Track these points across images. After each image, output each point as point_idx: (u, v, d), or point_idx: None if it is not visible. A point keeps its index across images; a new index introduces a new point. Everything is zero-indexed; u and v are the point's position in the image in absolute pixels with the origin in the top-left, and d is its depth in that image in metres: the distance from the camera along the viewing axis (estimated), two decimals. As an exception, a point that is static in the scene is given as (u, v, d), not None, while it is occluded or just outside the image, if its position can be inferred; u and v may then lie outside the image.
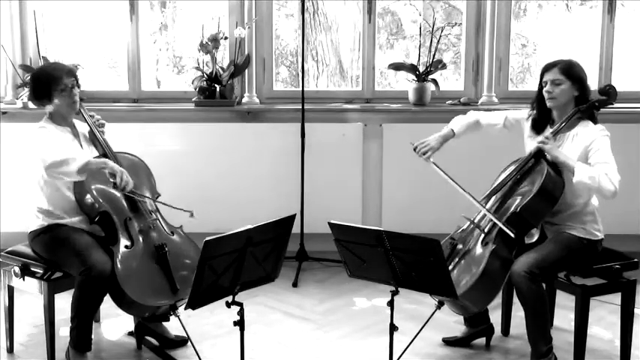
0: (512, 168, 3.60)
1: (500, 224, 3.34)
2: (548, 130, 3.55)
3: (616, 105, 3.69)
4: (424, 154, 3.71)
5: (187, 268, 3.52)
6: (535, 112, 3.63)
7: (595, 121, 3.52)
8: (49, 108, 3.57)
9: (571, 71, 3.48)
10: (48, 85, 3.50)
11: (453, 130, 3.78)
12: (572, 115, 3.49)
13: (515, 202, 3.43)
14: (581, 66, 3.55)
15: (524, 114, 3.72)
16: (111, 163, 3.40)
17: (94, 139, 3.66)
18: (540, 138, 3.49)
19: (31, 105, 4.95)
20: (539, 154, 3.50)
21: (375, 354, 3.71)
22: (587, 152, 3.41)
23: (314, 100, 5.12)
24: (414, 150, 3.74)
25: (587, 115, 3.51)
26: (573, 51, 5.60)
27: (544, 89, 3.52)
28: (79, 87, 3.58)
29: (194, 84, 5.10)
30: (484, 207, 3.45)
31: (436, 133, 3.78)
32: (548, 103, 3.51)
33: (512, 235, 3.30)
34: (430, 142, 3.73)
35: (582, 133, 3.46)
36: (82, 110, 3.64)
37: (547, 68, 3.54)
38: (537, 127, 3.62)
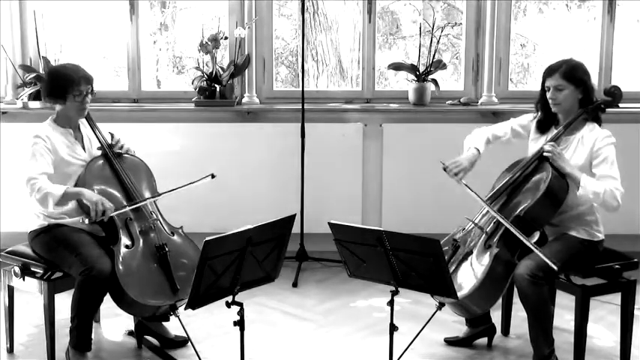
0: (515, 169, 3.58)
1: (528, 243, 3.24)
2: (552, 132, 3.53)
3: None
4: (456, 174, 3.56)
5: (187, 269, 3.52)
6: (540, 113, 3.61)
7: (599, 123, 3.51)
8: (58, 108, 3.58)
9: (573, 75, 3.44)
10: (65, 86, 3.51)
11: (478, 150, 3.65)
12: (578, 116, 3.47)
13: (519, 206, 3.41)
14: (583, 65, 3.50)
15: (529, 118, 3.68)
16: (88, 194, 3.41)
17: (96, 141, 3.69)
18: (547, 147, 3.44)
19: (31, 105, 4.99)
20: (543, 157, 3.49)
21: (375, 354, 3.71)
22: (592, 158, 3.39)
23: (314, 100, 5.12)
24: (445, 170, 3.58)
25: (592, 117, 3.50)
26: (573, 51, 5.60)
27: (547, 95, 3.48)
28: (92, 95, 3.60)
29: (194, 84, 5.10)
30: (516, 229, 3.29)
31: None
32: (554, 109, 3.49)
33: (551, 263, 3.17)
34: (462, 163, 3.58)
35: (588, 137, 3.44)
36: (94, 128, 3.67)
37: (549, 73, 3.49)
38: (542, 127, 3.60)
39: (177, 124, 5.07)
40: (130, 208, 3.54)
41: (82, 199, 3.41)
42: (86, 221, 3.38)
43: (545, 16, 5.94)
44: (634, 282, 3.51)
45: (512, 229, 3.30)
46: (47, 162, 3.46)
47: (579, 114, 3.47)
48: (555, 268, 3.16)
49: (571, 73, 3.44)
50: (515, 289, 3.42)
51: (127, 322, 3.92)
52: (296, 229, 3.58)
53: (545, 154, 3.44)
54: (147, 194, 3.68)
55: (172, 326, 3.71)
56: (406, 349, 3.34)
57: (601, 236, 3.51)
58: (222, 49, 5.10)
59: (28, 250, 3.61)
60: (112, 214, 3.43)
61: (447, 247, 3.52)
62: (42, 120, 3.65)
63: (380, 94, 5.29)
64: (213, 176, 3.58)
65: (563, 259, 3.38)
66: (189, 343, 3.41)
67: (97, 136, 3.68)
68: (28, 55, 5.18)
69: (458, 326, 3.93)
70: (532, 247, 3.24)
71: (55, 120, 3.61)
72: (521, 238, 3.27)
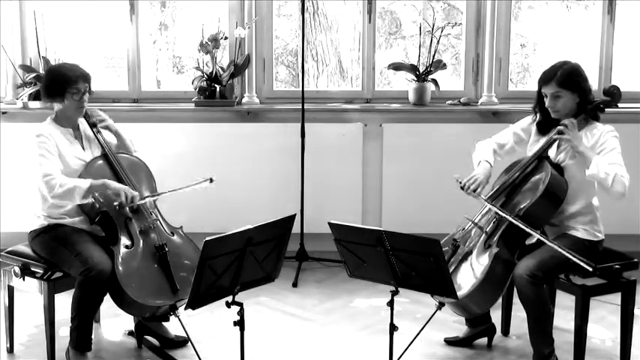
0: (514, 169, 3.58)
1: (550, 243, 3.22)
2: (552, 133, 3.52)
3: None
4: (474, 190, 3.55)
5: (187, 269, 3.52)
6: (539, 116, 3.61)
7: (598, 121, 3.51)
8: (56, 107, 3.58)
9: (568, 82, 3.43)
10: (63, 85, 3.52)
11: (489, 163, 3.64)
12: (577, 117, 3.46)
13: (519, 206, 3.41)
14: (578, 68, 3.49)
15: (528, 120, 3.68)
16: (113, 183, 3.44)
17: (95, 140, 3.69)
18: (560, 126, 3.41)
19: (31, 105, 4.99)
20: (542, 156, 3.50)
21: (375, 354, 3.71)
22: (597, 151, 3.38)
23: (314, 100, 5.12)
24: (462, 188, 3.57)
25: (591, 116, 3.50)
26: (573, 51, 5.59)
27: (546, 103, 3.49)
28: (90, 93, 3.60)
29: (194, 84, 5.10)
30: (543, 236, 3.29)
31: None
32: (553, 115, 3.49)
33: (568, 255, 3.15)
34: (478, 178, 3.56)
35: (590, 135, 3.44)
36: (92, 127, 3.68)
37: (544, 81, 3.48)
38: (543, 129, 3.60)
39: (177, 124, 5.07)
40: (153, 198, 3.59)
41: (108, 190, 3.42)
42: (117, 207, 3.43)
43: (545, 16, 5.93)
44: (634, 282, 3.51)
45: (544, 239, 3.26)
46: (57, 159, 3.47)
47: (579, 114, 3.46)
48: (590, 269, 3.12)
49: (566, 79, 3.43)
50: (515, 289, 3.43)
51: (127, 322, 3.92)
52: (296, 229, 3.58)
53: (559, 127, 3.41)
54: (146, 194, 3.68)
55: (172, 326, 3.71)
56: (406, 349, 3.34)
57: (601, 236, 3.52)
58: (222, 49, 5.10)
59: (28, 250, 3.61)
60: (139, 202, 3.48)
61: (446, 247, 3.53)
62: (42, 120, 3.65)
63: (380, 94, 5.29)
64: (211, 180, 3.57)
65: (563, 259, 3.38)
66: (189, 343, 3.41)
67: (95, 137, 3.68)
68: (28, 55, 5.18)
69: (458, 326, 3.93)
70: (565, 253, 3.17)
71: (55, 119, 3.61)
72: (539, 235, 3.25)
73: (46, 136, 3.49)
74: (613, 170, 3.28)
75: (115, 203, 3.43)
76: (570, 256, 3.14)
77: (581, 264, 3.12)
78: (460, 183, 3.58)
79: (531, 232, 3.26)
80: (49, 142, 3.47)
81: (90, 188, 3.39)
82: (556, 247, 3.19)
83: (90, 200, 3.44)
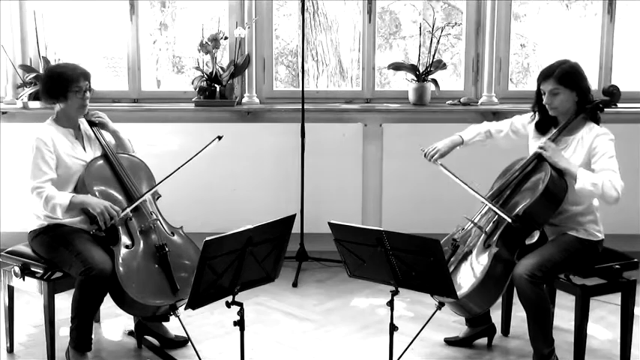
0: (514, 169, 3.59)
1: (507, 218, 3.34)
2: (551, 132, 3.53)
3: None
4: (432, 157, 3.76)
5: (187, 269, 3.52)
6: (537, 115, 3.61)
7: (597, 122, 3.51)
8: (57, 107, 3.58)
9: (567, 79, 3.43)
10: (65, 84, 3.52)
11: (461, 137, 3.80)
12: (574, 118, 3.47)
13: (519, 205, 3.42)
14: (578, 67, 3.49)
15: (527, 118, 3.70)
16: (92, 201, 3.43)
17: (96, 141, 3.69)
18: (540, 144, 3.46)
19: (31, 105, 4.99)
20: (542, 156, 3.50)
21: (375, 354, 3.71)
22: (591, 156, 3.39)
23: (314, 100, 5.12)
24: (424, 156, 3.79)
25: (590, 116, 3.50)
26: (573, 51, 5.59)
27: (544, 100, 3.49)
28: (91, 91, 3.61)
29: (194, 84, 5.10)
30: (493, 204, 3.43)
31: (445, 138, 3.81)
32: (551, 112, 3.49)
33: (511, 222, 3.32)
34: (438, 146, 3.78)
35: (587, 136, 3.44)
36: (92, 127, 3.70)
37: (543, 78, 3.48)
38: (542, 128, 3.60)
39: (177, 124, 5.07)
40: (138, 203, 3.55)
41: (87, 208, 3.42)
42: (101, 233, 3.42)
43: (545, 16, 5.94)
44: (634, 282, 3.51)
45: (486, 201, 3.45)
46: (51, 167, 3.46)
47: (574, 117, 3.46)
48: (509, 220, 3.31)
49: (565, 77, 3.43)
50: (515, 289, 3.43)
51: (127, 322, 3.92)
52: (296, 229, 3.58)
53: (538, 150, 3.46)
54: (147, 194, 3.67)
55: (172, 326, 3.71)
56: (406, 349, 3.34)
57: (601, 236, 3.52)
58: (222, 49, 5.10)
59: (28, 250, 3.61)
60: (120, 217, 3.45)
61: (446, 247, 3.53)
62: (42, 120, 3.65)
63: (380, 94, 5.29)
64: (219, 138, 3.62)
65: (562, 259, 3.39)
66: (189, 343, 3.41)
67: (96, 136, 3.68)
68: (28, 55, 5.18)
69: (458, 326, 3.93)
70: (490, 205, 3.42)
71: (56, 120, 3.61)
72: (490, 205, 3.44)
73: (44, 141, 3.48)
74: (600, 179, 3.28)
75: (94, 229, 3.42)
76: (491, 206, 3.44)
77: (502, 215, 3.36)
78: (423, 151, 3.82)
79: (504, 215, 3.36)
80: (45, 150, 3.46)
81: (70, 205, 3.40)
82: (496, 209, 3.41)
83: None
